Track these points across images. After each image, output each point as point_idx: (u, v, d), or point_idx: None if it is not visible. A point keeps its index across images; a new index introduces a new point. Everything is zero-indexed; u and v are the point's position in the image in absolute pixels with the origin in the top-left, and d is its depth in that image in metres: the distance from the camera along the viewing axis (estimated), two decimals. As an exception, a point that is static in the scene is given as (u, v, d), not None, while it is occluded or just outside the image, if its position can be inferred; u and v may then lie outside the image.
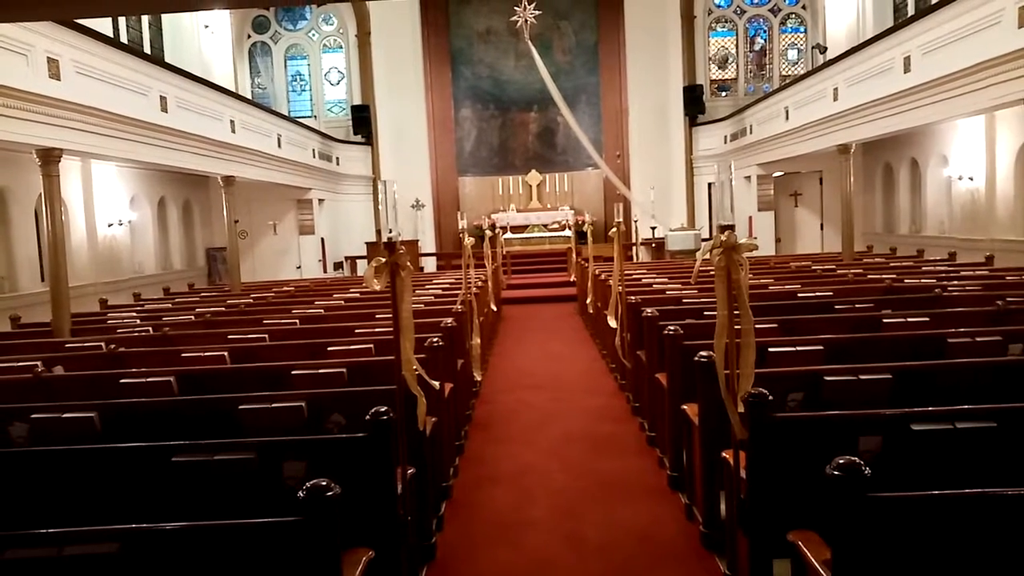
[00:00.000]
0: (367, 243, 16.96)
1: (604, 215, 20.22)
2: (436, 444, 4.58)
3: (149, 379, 4.76)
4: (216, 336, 6.63)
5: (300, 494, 2.21)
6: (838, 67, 11.85)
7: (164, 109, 9.75)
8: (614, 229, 6.71)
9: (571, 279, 14.78)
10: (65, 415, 3.88)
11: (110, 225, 12.37)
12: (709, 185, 18.98)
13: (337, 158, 18.69)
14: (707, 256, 3.21)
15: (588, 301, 10.73)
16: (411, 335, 3.19)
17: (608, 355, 8.75)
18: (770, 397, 3.15)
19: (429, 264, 19.07)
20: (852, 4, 15.99)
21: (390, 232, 3.09)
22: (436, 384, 3.40)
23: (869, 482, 2.23)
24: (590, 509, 4.68)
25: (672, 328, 4.90)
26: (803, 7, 19.71)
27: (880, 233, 15.26)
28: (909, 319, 5.71)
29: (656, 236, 17.27)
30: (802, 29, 19.79)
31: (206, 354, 5.69)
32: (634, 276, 10.09)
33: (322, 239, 17.39)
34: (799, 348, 4.85)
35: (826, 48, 16.39)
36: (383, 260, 3.11)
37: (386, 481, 3.07)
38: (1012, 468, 3.11)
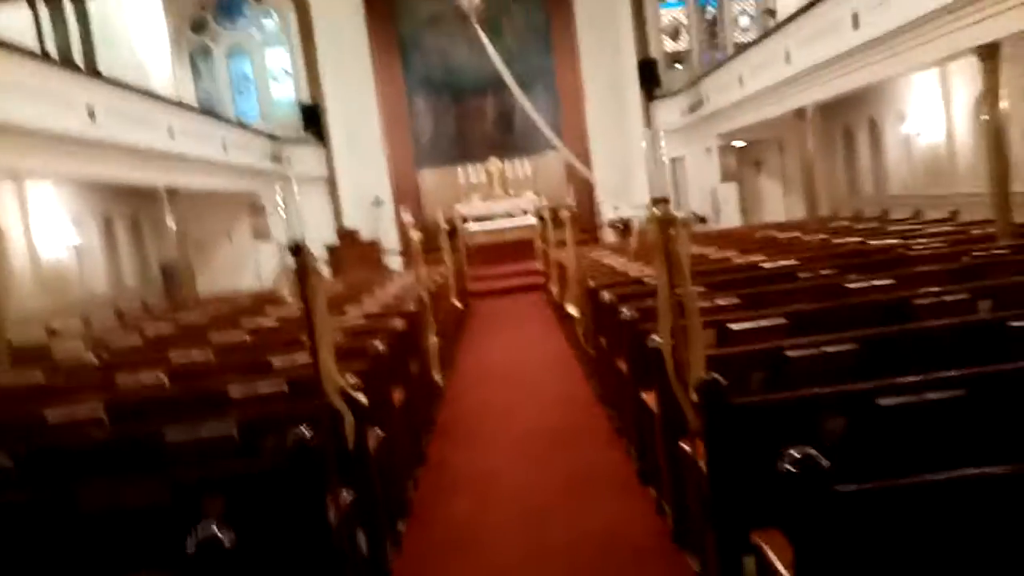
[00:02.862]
0: (327, 247, 16.54)
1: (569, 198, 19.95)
2: (388, 460, 4.30)
3: (76, 412, 4.43)
4: (157, 359, 6.27)
5: (189, 548, 1.93)
6: (788, 29, 11.65)
7: (93, 119, 9.29)
8: (565, 212, 6.44)
9: (538, 267, 14.51)
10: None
11: (53, 248, 11.86)
12: (672, 160, 18.80)
13: (289, 159, 18.20)
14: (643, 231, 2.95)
15: (555, 289, 10.48)
16: (330, 346, 2.90)
17: (574, 343, 8.51)
18: (724, 382, 2.91)
19: (395, 263, 18.68)
20: (799, -34, 15.82)
21: (294, 239, 2.79)
22: (363, 398, 3.11)
23: (828, 475, 2.00)
24: (555, 509, 4.44)
25: (627, 312, 4.66)
26: (751, -28, 19.51)
27: (844, 196, 15.17)
28: (874, 283, 5.52)
29: (622, 217, 17.03)
30: (752, -5, 19.59)
31: (142, 378, 5.35)
32: (595, 258, 9.86)
33: (280, 245, 16.95)
34: (761, 323, 4.63)
35: (775, 12, 16.22)
36: (289, 266, 2.81)
37: (315, 512, 2.79)
38: (984, 438, 2.91)
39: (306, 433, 2.80)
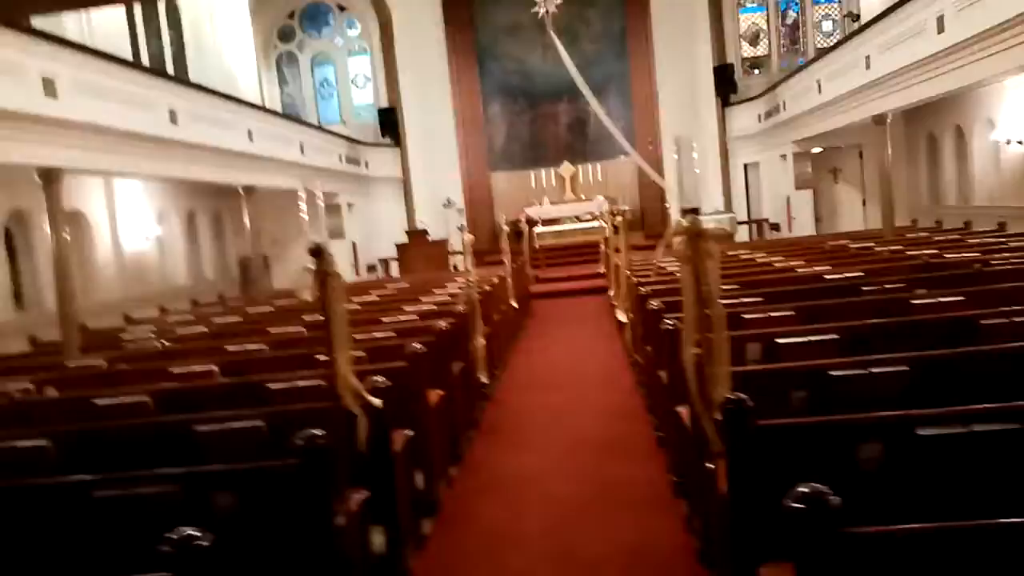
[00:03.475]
0: (397, 245, 16.81)
1: (639, 203, 19.71)
2: (417, 460, 4.31)
3: (124, 399, 4.62)
4: (214, 349, 6.49)
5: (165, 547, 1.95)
6: (869, 34, 11.17)
7: (174, 122, 9.71)
8: (619, 218, 6.33)
9: (602, 271, 14.36)
10: (19, 443, 3.72)
11: (137, 241, 12.46)
12: (745, 166, 18.32)
13: (366, 162, 18.61)
14: (668, 245, 2.85)
15: (612, 293, 10.34)
16: (347, 348, 2.91)
17: (628, 349, 8.37)
18: (750, 402, 2.78)
19: (462, 262, 18.84)
20: (888, -33, 15.17)
21: (318, 240, 2.82)
22: (377, 401, 3.11)
23: (837, 514, 1.85)
24: (587, 520, 4.35)
25: (671, 321, 4.53)
26: (837, -25, 18.84)
27: (927, 206, 14.43)
28: (941, 299, 5.21)
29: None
30: (836, 0, 18.91)
31: (194, 369, 5.54)
32: (657, 265, 9.66)
33: (353, 243, 17.32)
34: (811, 338, 4.42)
35: (858, 16, 15.58)
36: (310, 268, 2.84)
37: (321, 511, 2.80)
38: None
39: (316, 433, 2.82)
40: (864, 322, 4.65)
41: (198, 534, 1.96)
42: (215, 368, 5.52)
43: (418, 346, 4.59)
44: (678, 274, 7.31)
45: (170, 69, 14.46)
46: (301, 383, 4.44)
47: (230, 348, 6.44)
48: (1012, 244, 8.25)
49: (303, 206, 2.59)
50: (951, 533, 1.91)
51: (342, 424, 2.97)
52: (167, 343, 6.96)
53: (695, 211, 2.85)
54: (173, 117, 9.72)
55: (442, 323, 5.49)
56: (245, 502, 2.82)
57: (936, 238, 9.83)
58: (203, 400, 4.62)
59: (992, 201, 11.93)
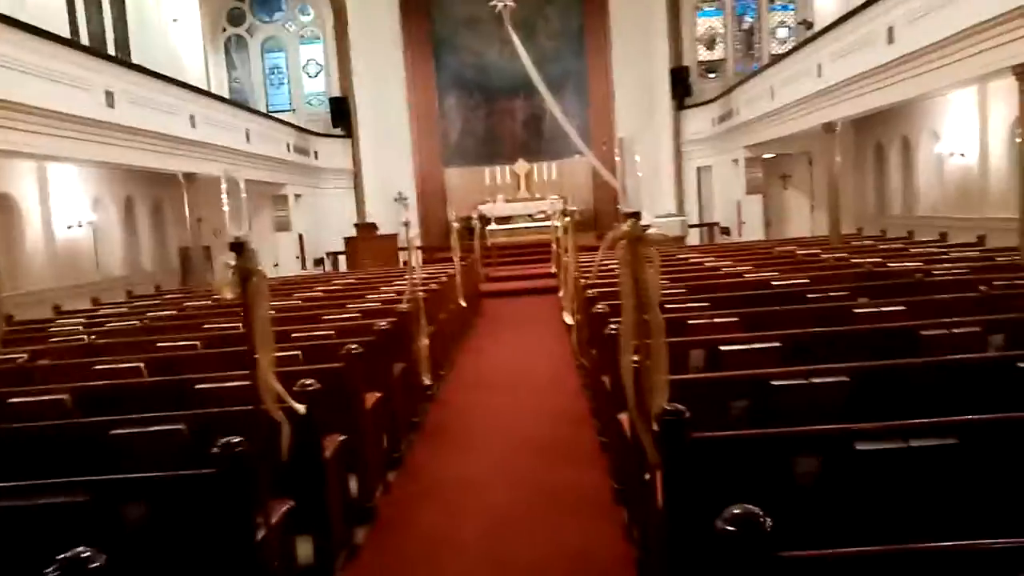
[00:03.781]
0: (345, 238, 16.50)
1: (593, 204, 19.72)
2: (351, 464, 4.15)
3: (40, 398, 4.35)
4: (144, 345, 6.20)
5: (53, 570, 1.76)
6: (822, 41, 11.32)
7: (110, 104, 9.30)
8: (567, 218, 6.23)
9: (553, 271, 14.29)
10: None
11: (69, 227, 11.93)
12: (699, 169, 18.47)
13: (316, 152, 18.22)
14: (610, 247, 2.76)
15: (561, 294, 10.26)
16: (270, 350, 2.74)
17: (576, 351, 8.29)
18: (686, 413, 2.69)
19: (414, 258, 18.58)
20: (841, -22, 15.42)
21: (239, 234, 2.64)
22: (301, 407, 2.95)
23: (770, 538, 1.76)
24: (527, 526, 4.25)
25: (615, 326, 4.44)
26: (792, -17, 19.11)
27: (872, 214, 14.73)
28: (883, 308, 5.25)
29: (644, 225, 16.70)
30: (791, 7, 19.18)
31: (119, 366, 5.27)
32: (609, 267, 9.61)
33: (300, 235, 16.95)
34: (754, 346, 4.39)
35: (812, 24, 15.82)
36: (232, 264, 2.66)
37: (240, 522, 2.63)
38: (975, 493, 2.65)
39: (235, 441, 2.65)
40: (807, 331, 4.64)
41: (90, 554, 1.78)
42: (142, 366, 5.26)
43: (354, 346, 4.42)
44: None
45: (111, 49, 13.90)
46: (230, 384, 4.24)
47: (161, 344, 6.17)
48: (952, 255, 8.42)
49: (224, 197, 2.40)
50: (883, 557, 1.85)
51: (265, 431, 2.79)
52: (94, 337, 6.63)
53: (636, 215, 2.74)
54: (110, 99, 9.31)
55: (382, 323, 5.32)
56: (159, 513, 2.63)
57: (880, 246, 10.00)
58: (125, 400, 4.38)
59: (935, 212, 12.21)
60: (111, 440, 3.48)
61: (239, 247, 2.65)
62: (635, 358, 2.82)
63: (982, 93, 10.55)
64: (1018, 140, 7.76)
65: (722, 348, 4.35)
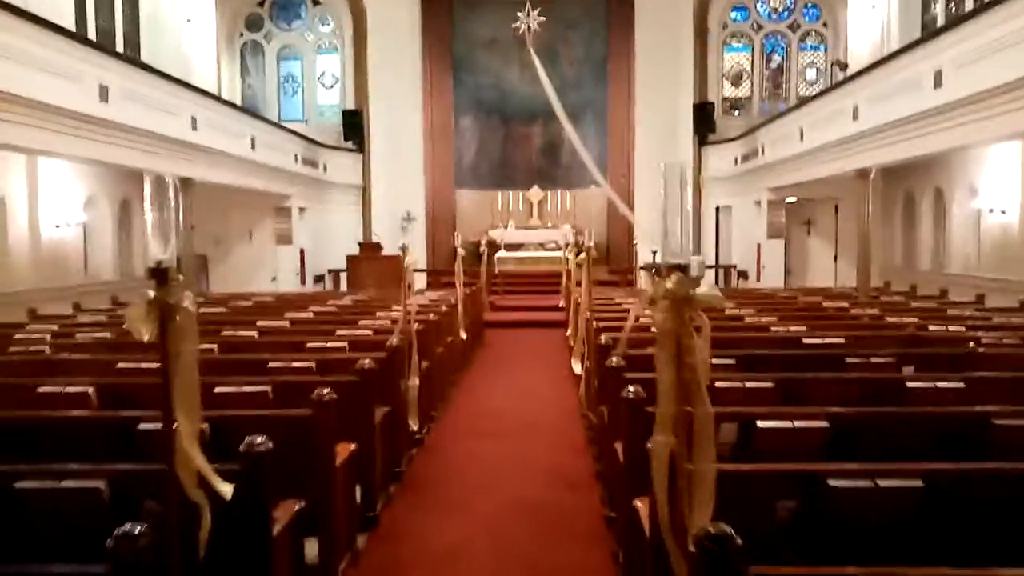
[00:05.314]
0: (348, 257, 15.90)
1: (607, 236, 19.11)
2: (309, 529, 3.48)
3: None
4: (104, 365, 5.56)
5: None
6: (859, 83, 10.74)
7: (104, 99, 8.75)
8: (582, 254, 5.60)
9: (562, 305, 13.63)
10: None
11: (57, 227, 11.37)
12: (717, 209, 17.87)
13: (325, 165, 17.69)
14: (648, 304, 2.12)
15: (569, 333, 9.60)
16: (194, 411, 2.09)
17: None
18: (738, 540, 2.02)
19: (420, 281, 17.96)
20: (876, 22, 14.85)
21: (159, 260, 2.00)
22: (227, 489, 2.29)
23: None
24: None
25: (633, 388, 3.78)
26: (824, 24, 18.64)
27: (900, 268, 14.05)
28: (939, 385, 4.56)
29: (658, 262, 16.08)
30: (822, 47, 18.70)
31: (67, 390, 4.63)
32: (623, 306, 8.97)
33: (301, 250, 16.36)
34: (796, 424, 3.72)
35: (847, 65, 15.25)
36: (150, 297, 2.02)
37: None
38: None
39: (135, 532, 1.99)
40: (856, 410, 3.95)
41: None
42: (91, 392, 4.62)
43: (326, 391, 3.76)
44: (642, 319, 6.52)
45: (120, 46, 13.43)
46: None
47: (123, 366, 5.52)
48: (995, 320, 7.73)
49: (147, 206, 1.89)
50: None
51: (178, 517, 2.13)
52: (51, 352, 5.99)
53: (683, 268, 2.10)
54: (103, 94, 8.76)
55: (367, 361, 4.66)
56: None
57: (913, 304, 9.31)
58: (56, 439, 3.75)
59: (968, 270, 11.54)
60: (16, 495, 2.84)
61: (161, 274, 2.02)
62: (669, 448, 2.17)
63: (1027, 148, 9.94)
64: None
65: (759, 424, 3.69)
